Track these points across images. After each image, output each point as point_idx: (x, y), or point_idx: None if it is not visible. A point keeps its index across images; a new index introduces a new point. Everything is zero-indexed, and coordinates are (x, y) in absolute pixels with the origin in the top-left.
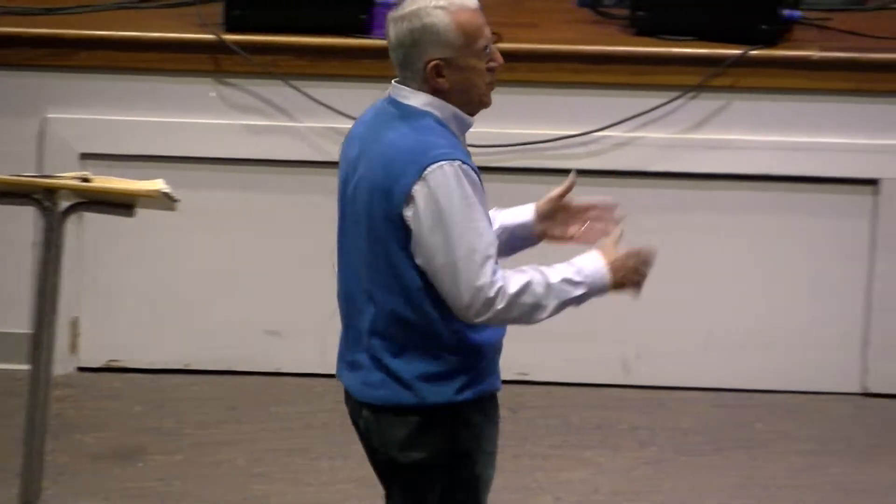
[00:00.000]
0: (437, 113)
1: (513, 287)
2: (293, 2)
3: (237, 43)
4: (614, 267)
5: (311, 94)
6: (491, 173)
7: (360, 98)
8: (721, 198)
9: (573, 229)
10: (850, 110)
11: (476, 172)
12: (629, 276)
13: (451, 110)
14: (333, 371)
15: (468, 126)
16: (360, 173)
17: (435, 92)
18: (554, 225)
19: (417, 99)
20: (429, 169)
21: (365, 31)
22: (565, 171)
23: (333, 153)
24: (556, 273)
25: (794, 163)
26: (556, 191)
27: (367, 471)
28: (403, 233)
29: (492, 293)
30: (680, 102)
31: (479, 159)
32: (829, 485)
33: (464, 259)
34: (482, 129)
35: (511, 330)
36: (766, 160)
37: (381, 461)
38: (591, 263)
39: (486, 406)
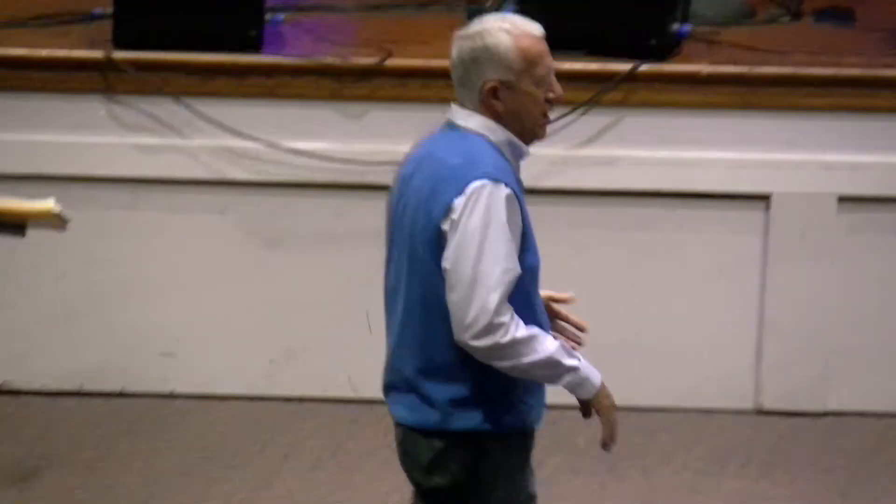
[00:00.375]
0: (490, 136)
1: (520, 333)
2: (183, 19)
3: (127, 60)
4: (606, 394)
5: (201, 112)
6: (382, 191)
7: (250, 115)
8: (613, 214)
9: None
10: (740, 125)
11: (520, 201)
12: (608, 412)
13: (505, 135)
14: (228, 391)
15: (522, 154)
16: (409, 192)
17: (490, 114)
18: None
19: (472, 121)
20: (471, 185)
21: (256, 47)
22: None
23: (224, 171)
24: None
25: (685, 178)
26: (549, 291)
27: (265, 492)
28: (440, 249)
29: (498, 321)
30: (571, 118)
31: (375, 178)
32: (725, 501)
33: (483, 276)
34: (372, 146)
35: None
36: (658, 176)
37: (412, 483)
38: (592, 368)
39: (513, 442)
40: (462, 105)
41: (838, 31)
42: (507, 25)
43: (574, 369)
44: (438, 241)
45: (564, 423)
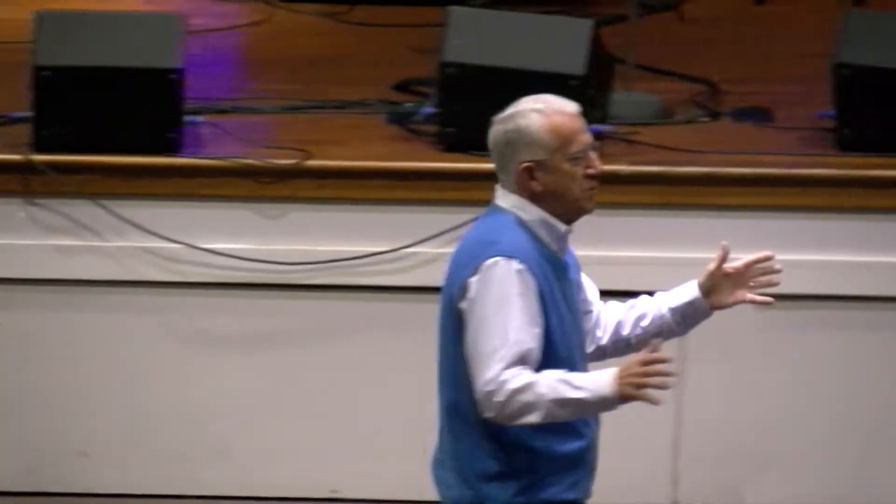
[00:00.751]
0: (521, 215)
1: (515, 383)
2: (102, 121)
3: (46, 163)
4: (619, 375)
5: (120, 214)
6: (302, 290)
7: (169, 217)
8: None
9: (740, 293)
10: (657, 224)
11: (537, 279)
12: (630, 381)
13: (538, 215)
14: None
15: (560, 233)
16: (445, 272)
17: (529, 195)
18: (721, 294)
19: (506, 200)
20: (485, 263)
21: (174, 149)
22: (378, 288)
23: (144, 272)
24: (560, 376)
25: (603, 276)
26: (711, 264)
27: None
28: (460, 331)
29: (493, 387)
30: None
31: (291, 276)
32: None
33: (486, 355)
34: (291, 246)
35: (324, 445)
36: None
37: None
38: (598, 374)
39: None
40: (504, 186)
41: (756, 130)
42: (539, 105)
43: (580, 401)
44: (458, 319)
45: None
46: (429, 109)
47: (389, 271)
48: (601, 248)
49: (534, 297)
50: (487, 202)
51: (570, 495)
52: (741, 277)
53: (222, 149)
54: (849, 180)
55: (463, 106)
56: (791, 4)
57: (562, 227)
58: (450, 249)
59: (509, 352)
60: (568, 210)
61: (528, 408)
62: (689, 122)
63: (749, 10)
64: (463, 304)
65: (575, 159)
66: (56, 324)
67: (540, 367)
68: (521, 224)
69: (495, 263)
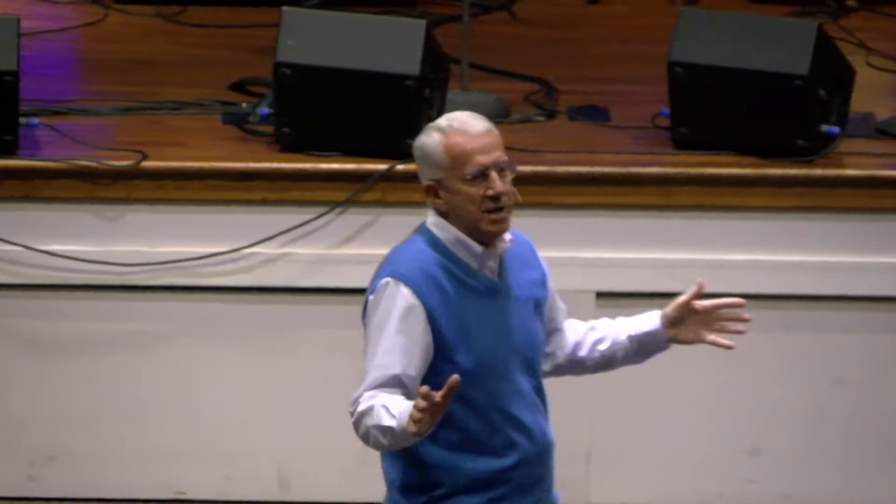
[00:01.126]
0: (438, 233)
1: (362, 406)
2: None
3: None
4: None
5: None
6: (141, 292)
7: (7, 219)
8: None
9: (703, 332)
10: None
11: (429, 299)
12: (412, 433)
13: (453, 234)
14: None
15: (478, 254)
16: None
17: (439, 213)
18: (684, 329)
19: (430, 219)
20: (379, 284)
21: (10, 151)
22: (218, 288)
23: None
24: (386, 402)
25: None
26: (683, 297)
27: None
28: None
29: (351, 408)
30: (328, 218)
31: (127, 278)
32: None
33: (361, 376)
34: (130, 247)
35: (166, 446)
36: None
37: None
38: (396, 403)
39: None
40: None
41: (592, 129)
42: (443, 122)
43: (392, 431)
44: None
45: None
46: (265, 110)
47: (229, 271)
48: None
49: (418, 319)
50: (326, 202)
51: None
52: (708, 317)
53: (59, 151)
54: (685, 178)
55: (298, 106)
56: (625, 5)
57: (477, 247)
58: (289, 250)
59: (374, 375)
60: (471, 231)
61: (366, 432)
62: (525, 121)
63: (583, 10)
64: (363, 322)
65: (470, 180)
66: None
67: (466, 388)
68: (435, 243)
69: (386, 284)
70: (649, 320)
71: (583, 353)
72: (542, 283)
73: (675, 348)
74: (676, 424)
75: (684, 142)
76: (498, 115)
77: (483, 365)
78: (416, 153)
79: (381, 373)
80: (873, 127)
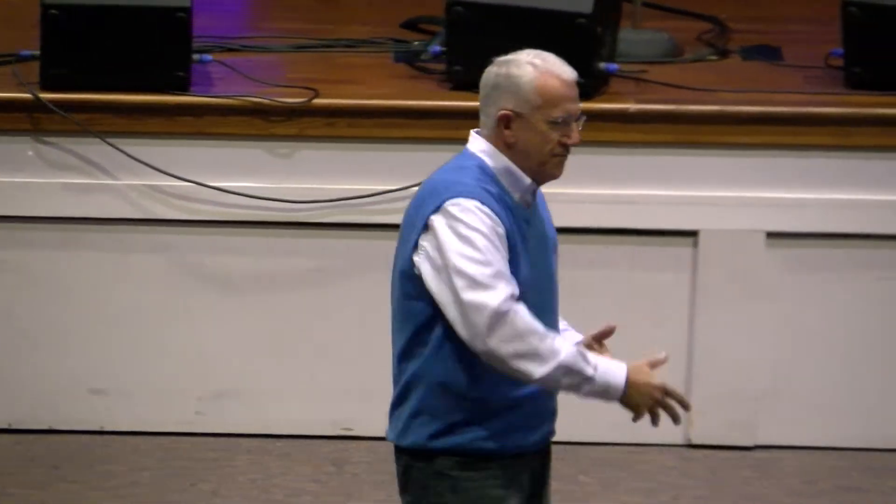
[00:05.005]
0: (487, 161)
1: (525, 320)
2: (110, 60)
3: (54, 101)
4: (637, 385)
5: (129, 153)
6: (314, 229)
7: (178, 155)
8: None
9: None
10: (667, 162)
11: (501, 218)
12: (645, 401)
13: (504, 163)
14: (157, 428)
15: (524, 186)
16: (405, 215)
17: (501, 143)
18: None
19: (477, 144)
20: (448, 202)
21: (183, 88)
22: (388, 226)
23: (154, 210)
24: (573, 340)
25: (616, 215)
26: (595, 331)
27: None
28: (414, 263)
29: (500, 311)
30: None
31: (301, 215)
32: None
33: (472, 283)
34: (301, 185)
35: (334, 384)
36: (588, 213)
37: None
38: (612, 365)
39: (472, 463)
40: (481, 128)
41: (766, 69)
42: (537, 60)
43: (585, 378)
44: (414, 256)
45: None
46: (437, 48)
47: (400, 210)
48: (610, 186)
49: (501, 238)
50: None
51: (490, 445)
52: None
53: (231, 87)
54: (858, 119)
55: (470, 45)
56: None
57: (526, 179)
58: None
59: (503, 281)
60: (532, 169)
61: (536, 356)
62: (697, 60)
63: None
64: (424, 241)
65: (554, 123)
66: (65, 262)
67: None
68: (485, 171)
69: (457, 202)
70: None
71: None
72: (552, 224)
73: (853, 288)
74: (845, 366)
75: (858, 82)
76: (670, 54)
77: (541, 299)
78: (499, 80)
79: (505, 282)
80: None
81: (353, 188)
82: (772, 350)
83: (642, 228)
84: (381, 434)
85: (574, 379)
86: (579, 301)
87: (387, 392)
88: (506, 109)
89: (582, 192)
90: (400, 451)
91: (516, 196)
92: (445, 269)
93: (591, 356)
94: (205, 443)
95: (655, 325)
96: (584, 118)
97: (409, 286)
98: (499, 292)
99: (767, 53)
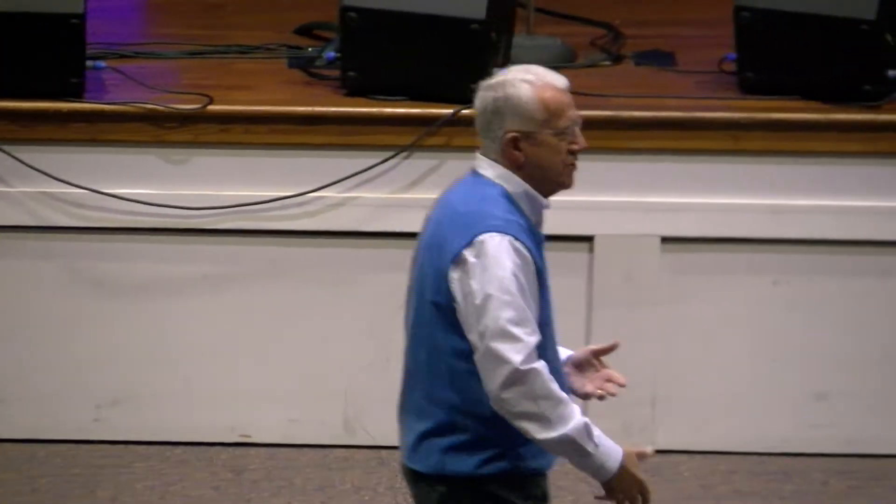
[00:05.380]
0: (507, 187)
1: (543, 383)
2: (4, 66)
3: None
4: (627, 474)
5: (22, 159)
6: (209, 235)
7: (72, 162)
8: None
9: (589, 387)
10: None
11: (532, 253)
12: (627, 492)
13: (522, 187)
14: (54, 436)
15: (541, 206)
16: (425, 240)
17: (511, 164)
18: (578, 376)
19: (492, 171)
20: (481, 237)
21: (77, 94)
22: (283, 232)
23: (48, 217)
24: (586, 419)
25: None
26: (596, 346)
27: None
28: (447, 295)
29: (521, 371)
30: (394, 162)
31: (196, 221)
32: None
33: (499, 332)
34: (196, 191)
35: (232, 390)
36: None
37: None
38: (611, 447)
39: (518, 484)
40: (485, 154)
41: (659, 74)
42: (530, 77)
43: (586, 454)
44: (446, 286)
45: (393, 464)
46: (331, 54)
47: (295, 216)
48: None
49: (533, 276)
50: (391, 146)
51: (538, 465)
52: (599, 375)
53: (125, 94)
54: (750, 123)
55: (365, 50)
56: None
57: (543, 200)
58: (354, 194)
59: (524, 328)
60: (548, 183)
61: (543, 420)
62: (590, 65)
63: None
64: (454, 273)
65: (561, 133)
66: None
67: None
68: (509, 198)
69: (491, 237)
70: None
71: None
72: None
73: (748, 292)
74: (741, 369)
75: (750, 86)
76: (564, 60)
77: (549, 319)
78: (498, 104)
79: (530, 334)
80: None
81: (247, 194)
82: (668, 354)
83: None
84: (280, 440)
85: (573, 451)
86: None
87: (285, 397)
88: (512, 131)
89: None
90: (436, 479)
91: (534, 219)
92: (475, 308)
93: (595, 432)
94: (103, 450)
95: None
96: (582, 120)
97: (442, 317)
98: (523, 346)
99: (660, 58)
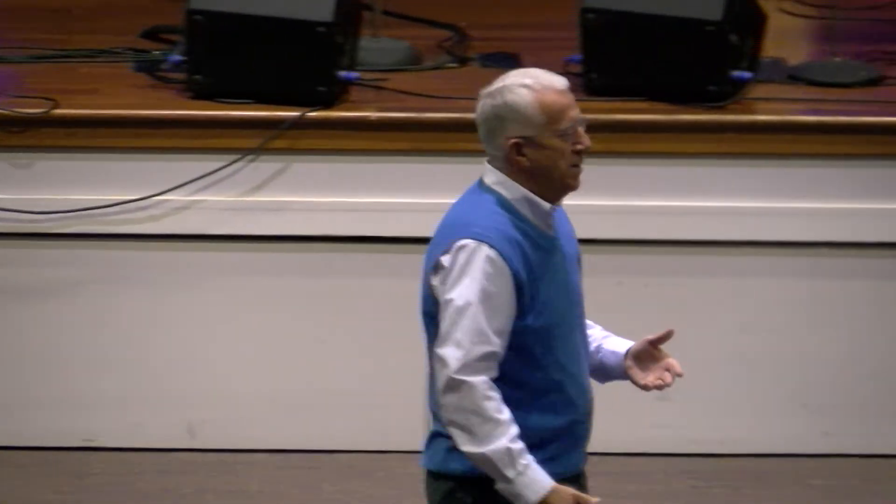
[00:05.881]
0: (504, 193)
1: (474, 399)
2: None
3: None
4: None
5: None
6: (55, 239)
7: None
8: (285, 260)
9: (650, 378)
10: (408, 170)
11: (510, 263)
12: None
13: (521, 192)
14: None
15: (544, 211)
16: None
17: (515, 170)
18: (639, 368)
19: (491, 177)
20: (458, 243)
21: None
22: (129, 236)
23: None
24: (516, 443)
25: (358, 223)
26: (652, 336)
27: None
28: (432, 302)
29: (456, 380)
30: (240, 165)
31: (42, 225)
32: None
33: (455, 340)
34: (41, 195)
35: (75, 394)
36: (329, 221)
37: None
38: (537, 480)
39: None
40: (491, 161)
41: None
42: (528, 81)
43: (508, 480)
44: (430, 295)
45: (237, 468)
46: (177, 57)
47: (141, 219)
48: (351, 194)
49: (505, 281)
50: (238, 150)
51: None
52: (658, 365)
53: None
54: (594, 125)
55: (211, 53)
56: None
57: (545, 205)
58: (201, 197)
59: (470, 346)
60: (554, 186)
61: (470, 434)
62: (437, 68)
63: None
64: (434, 281)
65: (564, 135)
66: None
67: (532, 346)
68: (504, 203)
69: (465, 246)
70: (621, 344)
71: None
72: (575, 237)
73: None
74: None
75: (596, 88)
76: (409, 62)
77: (551, 324)
78: (497, 110)
79: (477, 345)
80: (785, 72)
81: (93, 198)
82: None
83: (385, 236)
84: (125, 444)
85: (493, 472)
86: (308, 310)
87: (129, 402)
88: (514, 137)
89: (324, 199)
90: (441, 476)
91: (538, 223)
92: (442, 311)
93: (524, 461)
94: None
95: (398, 331)
96: (586, 119)
97: (433, 325)
98: (464, 355)
99: (506, 61)
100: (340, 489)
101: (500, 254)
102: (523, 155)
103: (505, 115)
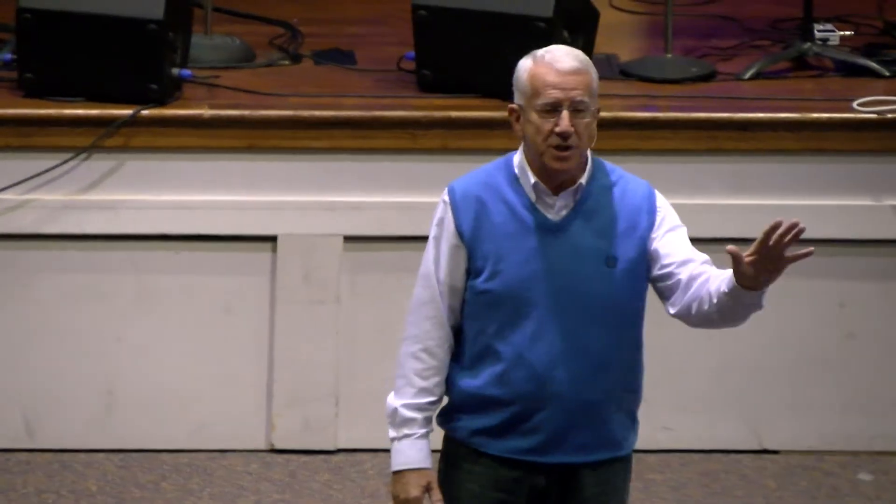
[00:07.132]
0: (516, 154)
1: (409, 356)
2: None
3: None
4: (399, 483)
5: None
6: None
7: None
8: (117, 259)
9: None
10: (244, 168)
11: (462, 212)
12: (394, 495)
13: (520, 159)
14: None
15: (530, 184)
16: None
17: (520, 136)
18: (767, 268)
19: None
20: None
21: None
22: None
23: None
24: (411, 411)
25: (190, 222)
26: (752, 247)
27: None
28: None
29: (406, 331)
30: (73, 164)
31: None
32: None
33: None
34: None
35: None
36: (162, 219)
37: None
38: (408, 452)
39: (452, 449)
40: None
41: (338, 73)
42: (540, 52)
43: (391, 439)
44: None
45: (75, 468)
46: (8, 55)
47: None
48: (183, 192)
49: (448, 232)
50: (70, 148)
51: (460, 435)
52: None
53: None
54: (426, 122)
55: (42, 52)
56: None
57: (531, 177)
58: (33, 196)
59: (418, 288)
60: (538, 162)
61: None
62: (269, 65)
63: None
64: None
65: (543, 112)
66: None
67: (479, 310)
68: (508, 166)
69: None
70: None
71: (705, 306)
72: (634, 238)
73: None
74: None
75: (429, 85)
76: (242, 60)
77: (507, 296)
78: (513, 75)
79: (424, 288)
80: (617, 68)
81: None
82: (350, 352)
83: (219, 234)
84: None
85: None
86: (154, 308)
87: None
88: (512, 104)
89: (157, 198)
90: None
91: (532, 197)
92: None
93: (406, 430)
94: None
95: (234, 330)
96: (591, 107)
97: None
98: (414, 301)
99: (340, 57)
100: (180, 487)
101: (450, 203)
102: (518, 123)
103: (514, 80)
